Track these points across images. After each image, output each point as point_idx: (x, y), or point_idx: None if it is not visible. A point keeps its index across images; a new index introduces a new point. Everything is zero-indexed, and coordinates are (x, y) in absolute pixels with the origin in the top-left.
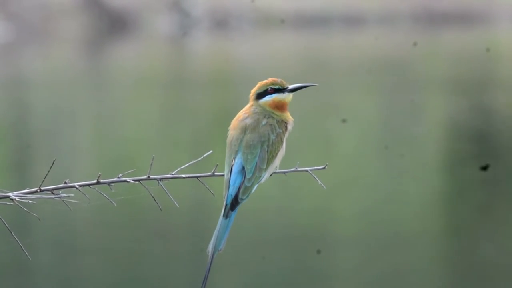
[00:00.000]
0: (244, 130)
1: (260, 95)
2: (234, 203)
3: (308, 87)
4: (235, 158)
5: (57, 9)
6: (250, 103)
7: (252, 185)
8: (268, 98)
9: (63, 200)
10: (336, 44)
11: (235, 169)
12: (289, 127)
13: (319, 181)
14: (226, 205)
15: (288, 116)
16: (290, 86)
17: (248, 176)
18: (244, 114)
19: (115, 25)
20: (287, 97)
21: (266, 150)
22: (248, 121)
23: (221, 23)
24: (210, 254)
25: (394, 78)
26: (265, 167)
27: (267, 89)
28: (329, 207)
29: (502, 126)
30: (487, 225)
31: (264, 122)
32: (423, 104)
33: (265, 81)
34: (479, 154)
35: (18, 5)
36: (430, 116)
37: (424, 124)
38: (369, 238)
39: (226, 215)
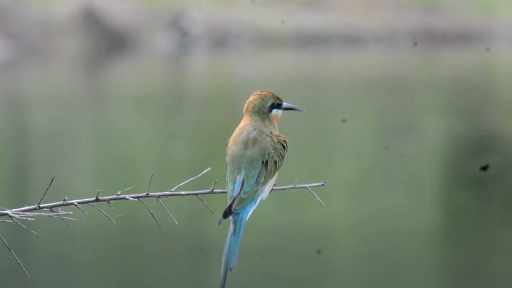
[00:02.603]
0: (246, 144)
1: (271, 108)
2: (227, 211)
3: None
4: (238, 174)
5: (57, 27)
6: (248, 116)
7: (248, 198)
8: (275, 112)
9: (62, 218)
10: (335, 63)
11: (237, 186)
12: (285, 143)
13: (317, 197)
14: (235, 223)
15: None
16: (284, 104)
17: (245, 189)
18: (247, 126)
19: (114, 43)
20: (281, 113)
21: (266, 163)
22: (250, 134)
23: (220, 41)
24: (222, 273)
25: (392, 97)
26: (263, 180)
27: (273, 102)
28: (328, 219)
29: (500, 140)
30: (488, 230)
31: (265, 134)
32: (420, 123)
33: (267, 92)
34: (478, 154)
35: (18, 24)
36: (427, 134)
37: (420, 141)
38: (369, 250)
39: (233, 231)
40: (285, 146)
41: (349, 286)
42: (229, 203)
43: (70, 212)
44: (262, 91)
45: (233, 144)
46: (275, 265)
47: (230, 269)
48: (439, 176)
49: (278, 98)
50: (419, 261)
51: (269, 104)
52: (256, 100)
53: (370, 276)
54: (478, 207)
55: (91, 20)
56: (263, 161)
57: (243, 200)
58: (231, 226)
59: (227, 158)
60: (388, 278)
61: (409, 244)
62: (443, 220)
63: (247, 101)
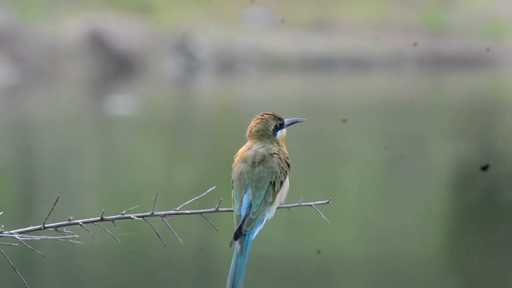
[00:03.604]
0: (254, 159)
1: (275, 130)
2: (238, 233)
3: (298, 123)
4: (245, 193)
5: (63, 51)
6: (253, 141)
7: (257, 218)
8: (280, 133)
9: (67, 238)
10: (341, 87)
11: (245, 204)
12: (290, 161)
13: (323, 215)
14: (241, 242)
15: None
16: (286, 121)
17: (253, 210)
18: (255, 144)
19: (121, 67)
20: (285, 131)
21: (273, 183)
22: (259, 149)
23: (226, 66)
24: None
25: (398, 123)
26: (271, 200)
27: (276, 125)
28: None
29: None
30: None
31: (273, 151)
32: (426, 146)
33: (268, 115)
34: (479, 156)
35: (25, 48)
36: (433, 157)
37: (426, 164)
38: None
39: (240, 250)
40: (289, 164)
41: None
42: (235, 223)
43: (75, 235)
44: (263, 115)
45: (239, 161)
46: (275, 265)
47: None
48: (444, 197)
49: (279, 119)
50: (421, 262)
51: (273, 127)
52: (259, 124)
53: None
54: (484, 228)
55: (98, 44)
56: (271, 181)
57: (253, 221)
58: (238, 246)
59: (233, 176)
60: (389, 281)
61: (411, 250)
62: (447, 238)
63: (249, 126)
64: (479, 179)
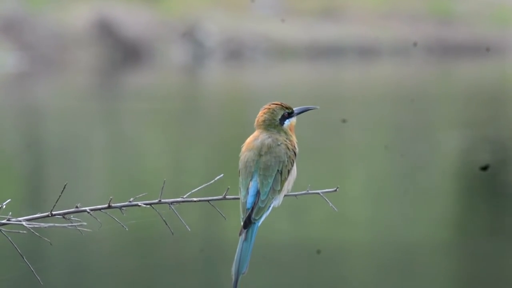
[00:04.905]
0: (260, 149)
1: (282, 120)
2: (247, 222)
3: (310, 110)
4: (251, 180)
5: (72, 39)
6: (261, 131)
7: (266, 206)
8: (288, 122)
9: (74, 225)
10: (350, 75)
11: (251, 191)
12: (297, 150)
13: (330, 203)
14: (247, 230)
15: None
16: (295, 110)
17: (262, 198)
18: (261, 134)
19: (129, 55)
20: (295, 120)
21: (281, 172)
22: (265, 140)
23: (234, 53)
24: (233, 277)
25: (404, 111)
26: (279, 188)
27: (283, 114)
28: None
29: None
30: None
31: (279, 142)
32: (433, 134)
33: (275, 105)
34: (479, 154)
35: (33, 35)
36: (440, 145)
37: (433, 152)
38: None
39: (245, 237)
40: (295, 152)
41: (349, 286)
42: (241, 210)
43: (84, 223)
44: (270, 105)
45: (246, 150)
46: (275, 266)
47: (242, 274)
48: (449, 186)
49: (287, 108)
50: (424, 254)
51: (279, 117)
52: (265, 114)
53: (372, 276)
54: (491, 217)
55: (106, 32)
56: (278, 170)
57: (262, 209)
58: (243, 233)
59: (239, 164)
60: (391, 279)
61: (412, 246)
62: (450, 229)
63: (257, 116)
64: (486, 167)
